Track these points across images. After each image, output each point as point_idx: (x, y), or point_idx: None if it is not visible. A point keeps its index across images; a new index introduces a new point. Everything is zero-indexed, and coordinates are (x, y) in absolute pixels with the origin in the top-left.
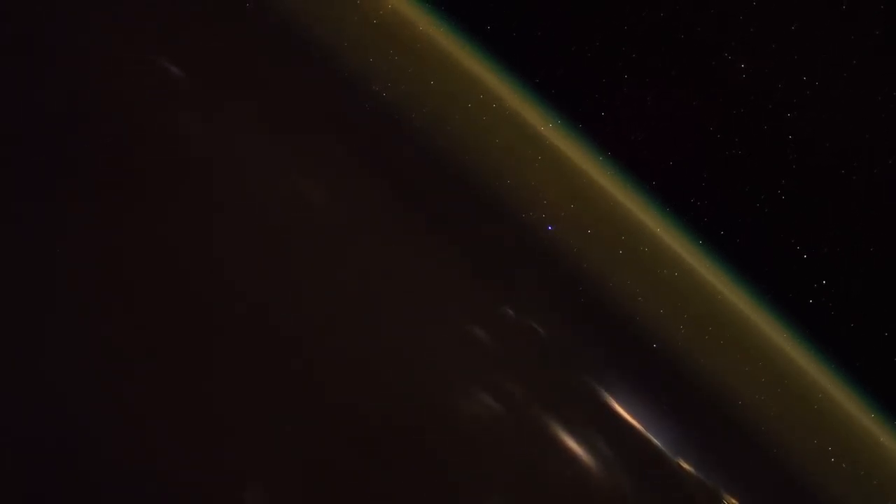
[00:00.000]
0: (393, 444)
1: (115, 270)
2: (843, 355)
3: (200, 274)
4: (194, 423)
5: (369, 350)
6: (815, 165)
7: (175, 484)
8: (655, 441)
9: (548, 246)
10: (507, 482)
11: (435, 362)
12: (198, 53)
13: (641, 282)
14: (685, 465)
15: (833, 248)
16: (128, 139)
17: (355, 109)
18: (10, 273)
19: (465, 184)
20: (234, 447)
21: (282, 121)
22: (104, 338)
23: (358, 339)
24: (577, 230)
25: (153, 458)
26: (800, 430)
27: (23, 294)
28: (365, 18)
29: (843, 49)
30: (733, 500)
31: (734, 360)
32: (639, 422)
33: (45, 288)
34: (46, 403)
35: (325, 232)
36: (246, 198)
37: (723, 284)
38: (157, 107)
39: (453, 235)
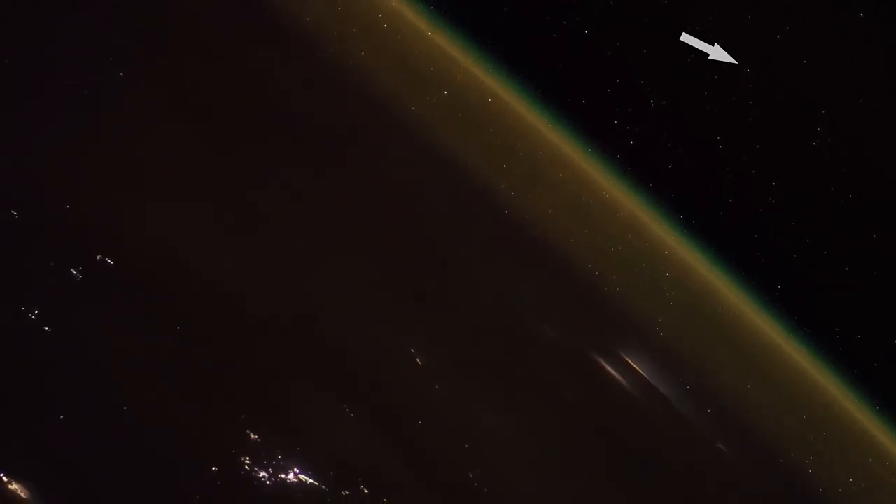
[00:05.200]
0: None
1: None
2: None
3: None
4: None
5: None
6: (816, 163)
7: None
8: (663, 392)
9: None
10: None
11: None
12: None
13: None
14: (686, 415)
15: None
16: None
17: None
18: None
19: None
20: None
21: None
22: None
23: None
24: (591, 240)
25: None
26: (786, 397)
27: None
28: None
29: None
30: (723, 447)
31: (729, 341)
32: (649, 376)
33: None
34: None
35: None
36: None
37: (719, 278)
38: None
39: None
